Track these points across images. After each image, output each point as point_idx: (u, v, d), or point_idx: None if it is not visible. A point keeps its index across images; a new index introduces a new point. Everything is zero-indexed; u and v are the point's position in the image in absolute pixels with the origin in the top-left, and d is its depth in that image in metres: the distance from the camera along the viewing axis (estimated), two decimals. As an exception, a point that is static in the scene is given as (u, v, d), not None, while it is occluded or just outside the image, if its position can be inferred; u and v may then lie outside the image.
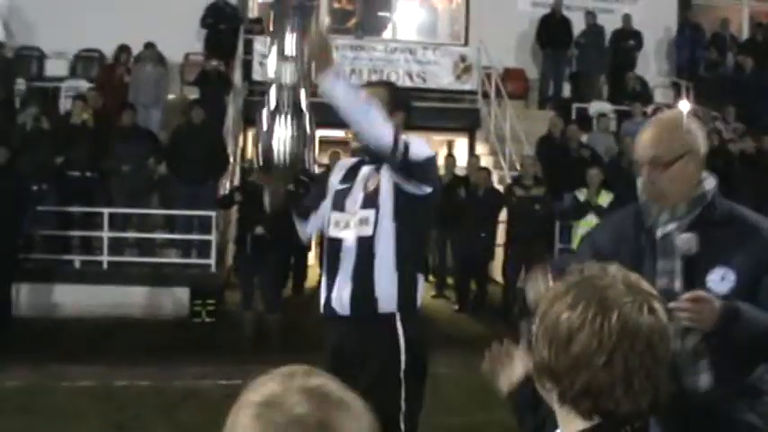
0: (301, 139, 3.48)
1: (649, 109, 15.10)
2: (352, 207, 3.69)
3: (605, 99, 15.93)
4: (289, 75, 3.49)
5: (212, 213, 11.83)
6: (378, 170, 3.66)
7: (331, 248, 3.73)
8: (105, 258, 11.93)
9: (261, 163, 3.54)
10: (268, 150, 3.46)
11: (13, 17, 15.39)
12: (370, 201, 3.63)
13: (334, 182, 3.86)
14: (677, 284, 2.75)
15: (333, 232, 3.74)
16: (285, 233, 10.60)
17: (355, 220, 3.65)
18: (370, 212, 3.61)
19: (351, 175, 3.80)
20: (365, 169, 3.75)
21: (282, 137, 3.44)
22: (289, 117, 3.46)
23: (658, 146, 2.81)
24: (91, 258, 12.08)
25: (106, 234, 11.88)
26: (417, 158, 3.48)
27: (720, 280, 2.70)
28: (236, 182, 12.44)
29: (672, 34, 17.37)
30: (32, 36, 15.25)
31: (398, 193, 3.58)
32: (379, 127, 3.37)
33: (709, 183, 2.88)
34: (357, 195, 3.70)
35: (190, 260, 12.30)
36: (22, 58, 15.07)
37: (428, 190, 3.57)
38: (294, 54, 3.50)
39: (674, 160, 2.78)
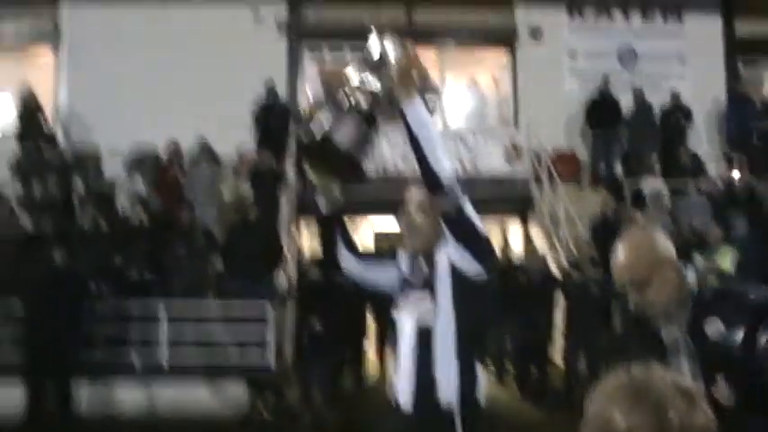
0: (364, 132, 3.53)
1: (703, 184, 15.01)
2: (414, 294, 3.73)
3: (658, 176, 15.82)
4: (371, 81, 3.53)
5: (268, 305, 11.84)
6: (436, 257, 3.70)
7: (395, 334, 3.81)
8: (165, 354, 11.95)
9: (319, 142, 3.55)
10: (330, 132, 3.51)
11: (72, 120, 15.84)
12: (430, 287, 3.67)
13: (400, 265, 3.94)
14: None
15: (396, 316, 3.82)
16: (341, 330, 10.71)
17: (415, 307, 3.69)
18: (429, 300, 3.65)
19: (414, 264, 3.84)
20: (423, 260, 3.79)
21: (347, 129, 3.50)
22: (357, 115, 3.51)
23: (632, 268, 2.93)
24: (149, 355, 12.11)
25: (164, 328, 11.91)
26: (474, 225, 3.53)
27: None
28: (293, 276, 12.49)
29: (721, 106, 17.26)
30: (90, 137, 15.65)
31: (457, 277, 3.61)
32: (444, 160, 3.41)
33: (691, 276, 2.98)
34: (418, 282, 3.74)
35: (248, 358, 12.28)
36: (80, 159, 15.42)
37: (485, 271, 3.59)
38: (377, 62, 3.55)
39: (650, 277, 2.91)
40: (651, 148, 16.16)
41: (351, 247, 4.04)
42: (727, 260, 11.58)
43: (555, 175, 14.59)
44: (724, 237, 12.18)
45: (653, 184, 15.17)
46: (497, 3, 16.97)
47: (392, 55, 3.50)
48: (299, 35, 16.50)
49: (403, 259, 3.94)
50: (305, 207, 13.97)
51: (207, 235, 12.86)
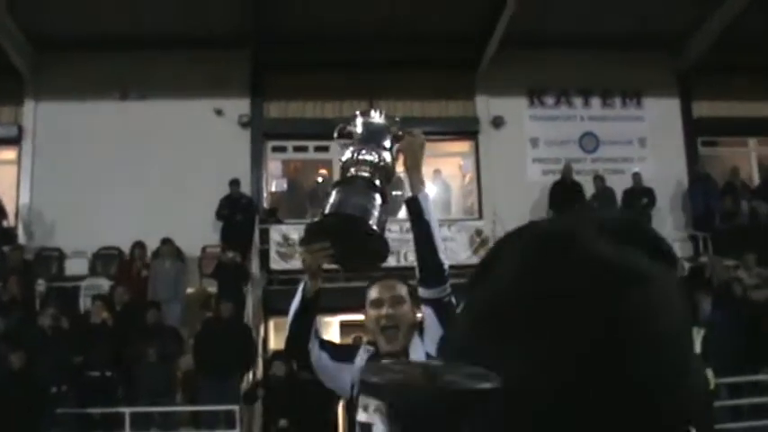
0: (370, 201, 3.34)
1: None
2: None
3: (624, 259, 15.84)
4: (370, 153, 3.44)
5: (236, 408, 11.63)
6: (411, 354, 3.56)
7: None
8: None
9: (322, 215, 3.37)
10: (335, 205, 3.33)
11: (33, 219, 15.71)
12: None
13: (361, 362, 3.73)
14: None
15: (362, 417, 3.62)
16: (309, 426, 10.50)
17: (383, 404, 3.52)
18: None
19: (377, 360, 3.66)
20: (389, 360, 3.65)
21: (351, 195, 3.34)
22: (362, 188, 3.37)
23: None
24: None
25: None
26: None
27: None
28: (259, 374, 12.31)
29: (684, 187, 17.48)
30: (52, 236, 15.52)
31: None
32: (443, 250, 3.39)
33: None
34: None
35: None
36: (41, 258, 15.28)
37: None
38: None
39: None
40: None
41: (321, 340, 3.83)
42: (696, 342, 11.54)
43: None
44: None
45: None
46: (459, 93, 17.21)
47: (387, 128, 3.49)
48: (262, 130, 16.56)
49: (362, 358, 3.76)
50: (270, 304, 13.86)
51: (173, 333, 12.68)
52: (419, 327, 3.59)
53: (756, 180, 18.08)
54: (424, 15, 15.86)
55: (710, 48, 16.67)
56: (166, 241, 14.36)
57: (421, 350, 3.53)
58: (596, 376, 0.78)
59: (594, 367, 0.78)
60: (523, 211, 16.29)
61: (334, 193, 3.38)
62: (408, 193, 3.45)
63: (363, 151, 3.46)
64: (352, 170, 3.43)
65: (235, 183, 15.30)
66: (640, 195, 16.42)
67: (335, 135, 3.62)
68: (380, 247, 3.45)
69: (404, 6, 15.59)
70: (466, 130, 17.30)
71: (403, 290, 3.66)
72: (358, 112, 3.62)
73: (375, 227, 3.29)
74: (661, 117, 17.59)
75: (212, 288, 14.02)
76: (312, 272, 3.58)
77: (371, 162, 3.43)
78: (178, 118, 15.93)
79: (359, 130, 3.54)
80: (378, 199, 3.35)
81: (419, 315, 3.60)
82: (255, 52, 16.46)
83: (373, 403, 3.60)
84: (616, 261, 0.82)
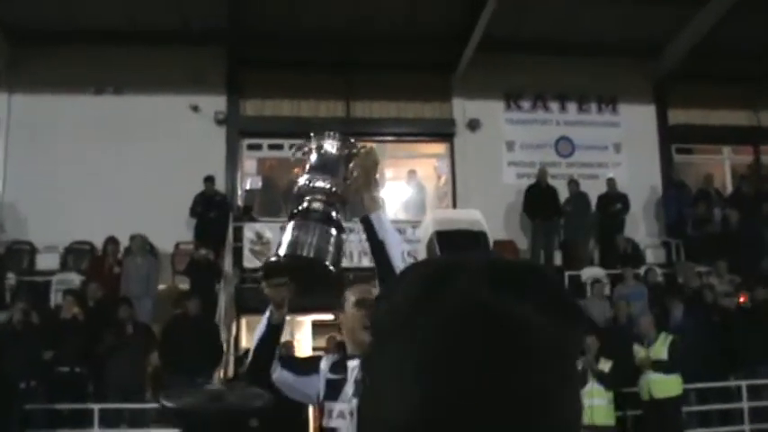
0: (326, 238, 3.33)
1: (642, 270, 15.15)
2: (346, 396, 3.63)
3: (597, 264, 15.94)
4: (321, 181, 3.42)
5: (206, 406, 11.55)
6: None
7: None
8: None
9: (278, 256, 3.35)
10: (291, 245, 3.32)
11: (5, 212, 15.56)
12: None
13: (324, 369, 3.80)
14: None
15: (328, 422, 3.69)
16: (280, 425, 10.45)
17: (349, 409, 3.59)
18: None
19: (341, 366, 3.75)
20: (354, 361, 3.69)
21: (307, 234, 3.32)
22: (317, 223, 3.35)
23: None
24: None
25: (97, 432, 11.56)
26: None
27: None
28: (230, 372, 12.24)
29: (658, 194, 17.58)
30: (24, 230, 15.38)
31: None
32: (401, 264, 3.32)
33: None
34: (349, 383, 3.65)
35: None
36: (12, 252, 15.15)
37: None
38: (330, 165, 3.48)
39: None
40: (589, 237, 16.32)
41: (282, 360, 3.88)
42: (662, 350, 11.66)
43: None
44: (661, 324, 12.27)
45: (591, 273, 15.29)
46: (436, 95, 17.22)
47: (342, 153, 3.48)
48: (238, 128, 16.52)
49: (326, 363, 3.83)
50: (243, 302, 13.81)
51: (144, 329, 12.60)
52: None
53: (729, 188, 18.22)
54: (402, 16, 15.89)
55: (687, 56, 16.80)
56: (138, 237, 14.26)
57: None
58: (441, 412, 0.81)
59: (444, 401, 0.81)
60: (498, 214, 16.37)
61: (289, 228, 3.38)
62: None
63: (317, 179, 3.45)
64: (307, 199, 3.42)
65: (209, 179, 15.24)
66: (614, 201, 16.48)
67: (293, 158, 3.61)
68: (335, 284, 3.53)
69: (382, 7, 15.60)
70: (442, 131, 17.31)
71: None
72: (312, 135, 3.59)
73: (331, 265, 3.31)
74: (636, 123, 17.69)
75: (184, 285, 13.94)
76: (276, 303, 3.62)
77: (325, 190, 3.43)
78: (153, 113, 15.83)
79: (313, 157, 3.54)
80: (333, 233, 3.37)
81: None
82: (233, 49, 16.43)
83: (337, 408, 3.63)
84: (490, 305, 0.84)
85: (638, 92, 17.73)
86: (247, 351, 11.83)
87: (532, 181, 16.43)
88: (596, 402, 10.92)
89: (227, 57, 16.48)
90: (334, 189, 3.43)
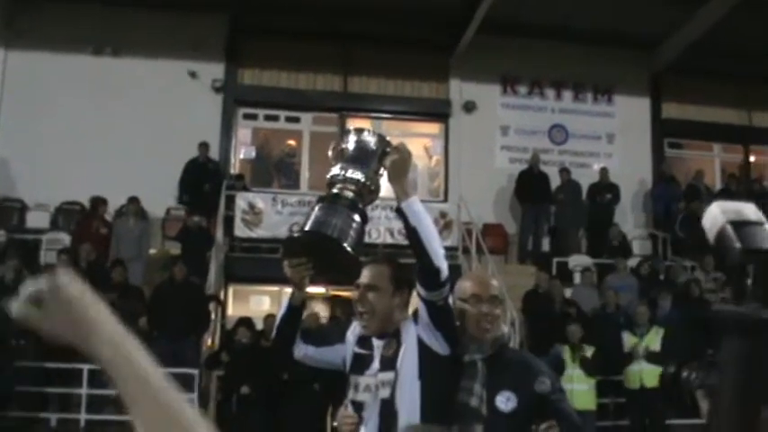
0: (350, 223, 3.42)
1: (631, 262, 15.22)
2: (372, 370, 3.67)
3: (584, 253, 16.05)
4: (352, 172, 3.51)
5: (195, 371, 11.59)
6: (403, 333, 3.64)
7: (354, 412, 3.69)
8: (83, 417, 11.59)
9: (302, 231, 3.47)
10: (316, 222, 3.41)
11: (-4, 169, 15.51)
12: (390, 363, 3.60)
13: (352, 341, 3.83)
14: (474, 401, 3.50)
15: (354, 395, 3.70)
16: (271, 392, 10.53)
17: (375, 383, 3.62)
18: (389, 375, 3.58)
19: (367, 341, 3.77)
20: (380, 341, 3.72)
21: (332, 215, 3.41)
22: (344, 208, 3.44)
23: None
24: (68, 416, 11.72)
25: (85, 391, 11.57)
26: (452, 313, 3.57)
27: (506, 401, 3.50)
28: (218, 339, 12.29)
29: (648, 186, 17.67)
30: (14, 188, 15.33)
31: (423, 352, 3.55)
32: (440, 251, 3.42)
33: (505, 328, 3.78)
34: (375, 359, 3.68)
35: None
36: (3, 209, 15.10)
37: (450, 349, 3.56)
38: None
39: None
40: (578, 225, 16.40)
41: (304, 335, 3.94)
42: (655, 340, 11.80)
43: (484, 247, 14.64)
44: (650, 316, 12.38)
45: (579, 261, 15.40)
46: (433, 75, 17.23)
47: (378, 148, 3.54)
48: (234, 96, 16.50)
49: (354, 334, 3.84)
50: (231, 270, 13.85)
51: (136, 293, 12.59)
52: (414, 314, 3.65)
53: (718, 185, 18.33)
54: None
55: (685, 51, 16.85)
56: (133, 200, 14.23)
57: (413, 334, 3.60)
58: None
59: None
60: (488, 197, 16.48)
61: (316, 208, 3.47)
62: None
63: (351, 170, 3.53)
64: (338, 186, 3.51)
65: (204, 145, 15.24)
66: (605, 191, 16.57)
67: (330, 152, 3.67)
68: (353, 266, 3.62)
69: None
70: (437, 111, 17.32)
71: (378, 276, 3.71)
72: (352, 129, 3.69)
73: (350, 248, 3.39)
74: (631, 115, 17.77)
75: (175, 250, 13.95)
76: (296, 284, 3.73)
77: (358, 181, 3.50)
78: (151, 77, 15.78)
79: (350, 147, 3.60)
80: (357, 219, 3.45)
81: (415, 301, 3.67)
82: (234, 17, 16.38)
83: (363, 383, 3.69)
84: None
85: (635, 84, 17.80)
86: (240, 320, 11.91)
87: (524, 166, 16.48)
88: (576, 387, 11.05)
89: (227, 24, 16.42)
90: (366, 182, 3.51)
